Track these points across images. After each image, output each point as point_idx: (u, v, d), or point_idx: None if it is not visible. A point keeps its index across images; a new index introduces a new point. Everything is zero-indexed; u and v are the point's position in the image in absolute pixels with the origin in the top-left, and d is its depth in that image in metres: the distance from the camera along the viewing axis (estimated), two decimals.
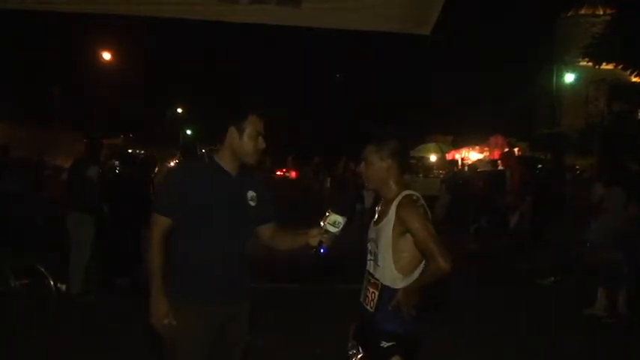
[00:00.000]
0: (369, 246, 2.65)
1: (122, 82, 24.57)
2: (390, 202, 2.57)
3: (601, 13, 23.64)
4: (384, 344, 2.48)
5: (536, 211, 8.04)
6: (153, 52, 26.98)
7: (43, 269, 5.26)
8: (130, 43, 23.78)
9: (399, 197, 2.54)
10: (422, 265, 2.54)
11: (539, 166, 12.03)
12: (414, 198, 2.54)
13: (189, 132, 39.22)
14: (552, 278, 7.56)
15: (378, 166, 2.61)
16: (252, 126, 2.63)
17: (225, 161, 2.67)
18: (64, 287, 5.84)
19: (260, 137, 2.65)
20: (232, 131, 2.63)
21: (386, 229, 2.53)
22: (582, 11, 25.70)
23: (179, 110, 37.60)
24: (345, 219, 2.62)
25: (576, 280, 7.29)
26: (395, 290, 2.50)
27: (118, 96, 24.43)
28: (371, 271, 2.61)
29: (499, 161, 12.82)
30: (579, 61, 21.97)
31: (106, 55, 23.22)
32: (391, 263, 2.51)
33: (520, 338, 5.30)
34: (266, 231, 2.83)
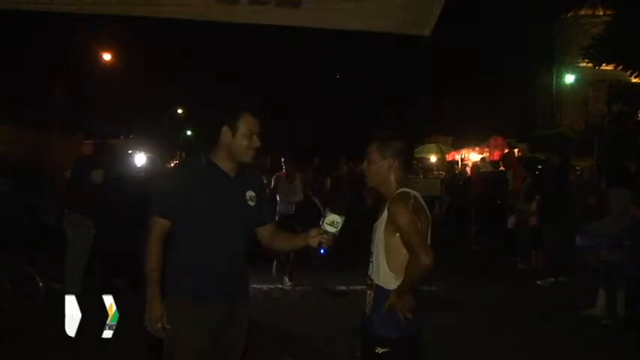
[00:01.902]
0: (371, 248, 2.63)
1: (122, 83, 24.55)
2: (387, 201, 2.56)
3: (601, 13, 23.62)
4: (379, 350, 2.43)
5: (542, 213, 8.01)
6: (153, 53, 26.95)
7: (31, 270, 5.27)
8: (131, 43, 23.76)
9: (394, 194, 2.53)
10: None
11: (539, 167, 12.00)
12: (407, 195, 2.52)
13: (189, 132, 39.20)
14: (552, 279, 7.56)
15: (380, 164, 2.59)
16: (245, 124, 2.62)
17: (223, 162, 2.67)
18: (60, 287, 5.84)
19: (254, 136, 2.64)
20: (226, 131, 2.63)
21: (380, 228, 2.52)
22: (582, 12, 25.70)
23: (179, 111, 37.59)
24: (344, 218, 2.61)
25: (576, 281, 7.29)
26: (388, 291, 2.46)
27: (118, 96, 24.41)
28: (369, 273, 2.59)
29: (500, 162, 12.80)
30: (579, 62, 21.97)
31: (106, 56, 23.21)
32: (384, 262, 2.49)
33: (520, 339, 5.29)
34: (265, 232, 2.83)
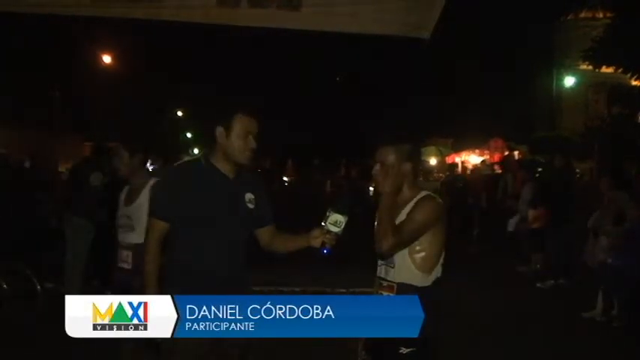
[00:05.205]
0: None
1: (122, 85, 24.57)
2: (404, 204, 2.53)
3: (601, 16, 23.63)
4: (404, 350, 2.39)
5: (551, 215, 8.00)
6: (153, 55, 26.97)
7: (29, 271, 5.28)
8: (131, 46, 23.77)
9: (420, 196, 2.51)
10: (439, 265, 2.50)
11: (539, 169, 12.02)
12: (440, 202, 2.53)
13: (189, 135, 39.21)
14: (552, 281, 7.56)
15: (395, 169, 2.52)
16: (239, 125, 2.61)
17: (221, 163, 2.66)
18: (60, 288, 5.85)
19: (250, 136, 2.64)
20: (220, 131, 2.63)
21: None
22: (582, 14, 25.71)
23: (179, 113, 37.61)
24: (347, 218, 2.58)
25: (576, 284, 7.29)
26: (412, 287, 2.43)
27: (118, 99, 24.44)
28: (383, 275, 2.56)
29: (495, 165, 12.85)
30: (579, 65, 21.98)
31: (107, 58, 23.24)
32: (409, 262, 2.47)
33: (520, 341, 5.30)
34: (265, 234, 2.82)
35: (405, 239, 2.41)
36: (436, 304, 2.39)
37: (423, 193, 2.53)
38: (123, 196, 3.67)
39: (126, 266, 3.50)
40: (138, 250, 3.33)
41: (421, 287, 2.44)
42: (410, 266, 2.47)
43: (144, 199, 3.44)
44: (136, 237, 3.43)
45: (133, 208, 3.51)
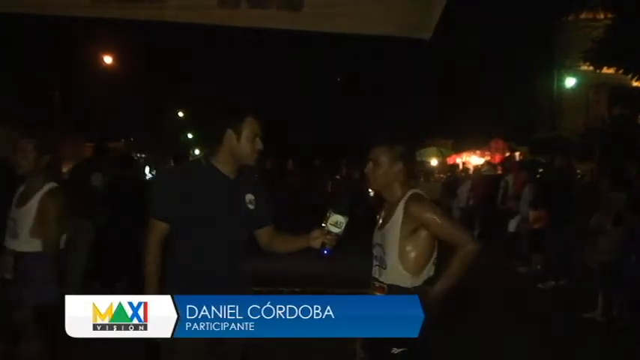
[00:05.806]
0: (375, 252, 2.63)
1: (123, 86, 24.58)
2: (396, 203, 2.56)
3: (601, 17, 23.66)
4: (395, 351, 2.42)
5: (552, 215, 7.99)
6: (154, 55, 26.97)
7: None
8: (132, 46, 23.76)
9: (407, 195, 2.54)
10: (430, 264, 2.53)
11: (540, 170, 12.02)
12: (424, 196, 2.57)
13: (190, 135, 39.18)
14: (553, 282, 7.56)
15: (386, 168, 2.58)
16: (249, 127, 2.62)
17: (223, 164, 2.67)
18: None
19: (257, 138, 2.65)
20: (229, 134, 2.63)
21: (393, 229, 2.52)
22: (583, 15, 25.76)
23: (180, 114, 37.59)
24: (347, 218, 2.59)
25: (577, 284, 7.29)
26: (405, 289, 2.45)
27: (118, 99, 24.44)
28: (376, 276, 2.59)
29: (498, 165, 12.85)
30: (580, 66, 22.01)
31: (107, 59, 23.24)
32: (398, 263, 2.49)
33: (520, 342, 5.30)
34: (265, 234, 2.82)
35: (462, 228, 2.54)
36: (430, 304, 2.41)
37: (410, 192, 2.57)
38: (16, 197, 3.28)
39: (7, 276, 3.13)
40: (22, 260, 3.10)
41: (412, 288, 2.46)
42: (398, 268, 2.50)
43: (34, 204, 3.16)
44: (18, 244, 3.12)
45: (21, 212, 3.17)
